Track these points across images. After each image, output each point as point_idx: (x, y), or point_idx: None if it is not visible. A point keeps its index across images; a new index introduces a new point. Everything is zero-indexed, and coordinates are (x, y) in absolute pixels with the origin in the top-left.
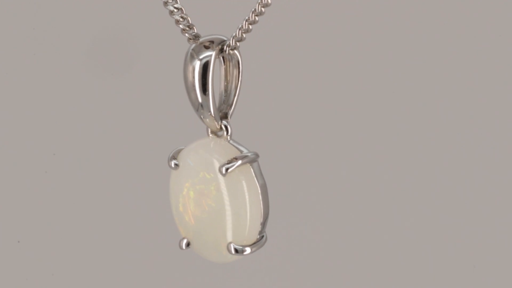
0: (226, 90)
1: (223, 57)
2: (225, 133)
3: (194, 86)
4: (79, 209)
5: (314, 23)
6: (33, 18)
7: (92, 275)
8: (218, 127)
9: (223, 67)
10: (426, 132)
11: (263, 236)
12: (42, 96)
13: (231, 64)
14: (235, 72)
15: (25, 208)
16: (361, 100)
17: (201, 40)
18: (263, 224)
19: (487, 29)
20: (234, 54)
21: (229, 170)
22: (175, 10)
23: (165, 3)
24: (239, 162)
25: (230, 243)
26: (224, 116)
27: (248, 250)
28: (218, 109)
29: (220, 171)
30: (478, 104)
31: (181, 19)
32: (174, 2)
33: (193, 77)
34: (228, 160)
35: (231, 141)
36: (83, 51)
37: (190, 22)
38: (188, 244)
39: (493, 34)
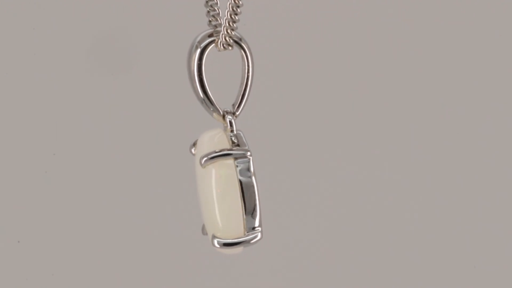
0: (241, 87)
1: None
2: (229, 128)
3: (194, 76)
4: (79, 208)
5: (319, 26)
6: (33, 18)
7: (91, 275)
8: (223, 122)
9: (245, 67)
10: (424, 131)
11: (256, 234)
12: (42, 96)
13: (244, 61)
14: (246, 69)
15: (25, 208)
16: (360, 100)
17: (215, 29)
18: (250, 221)
19: (487, 29)
20: (245, 51)
21: (206, 163)
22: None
23: None
24: (213, 155)
25: (213, 235)
26: (232, 111)
27: (232, 244)
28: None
29: (200, 162)
30: (478, 104)
31: (211, 9)
32: None
33: (194, 66)
34: (206, 153)
35: (233, 136)
36: (84, 51)
37: (220, 15)
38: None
39: (493, 34)
